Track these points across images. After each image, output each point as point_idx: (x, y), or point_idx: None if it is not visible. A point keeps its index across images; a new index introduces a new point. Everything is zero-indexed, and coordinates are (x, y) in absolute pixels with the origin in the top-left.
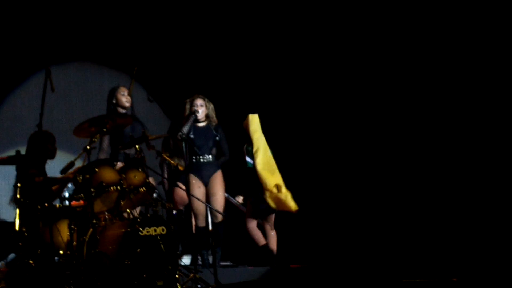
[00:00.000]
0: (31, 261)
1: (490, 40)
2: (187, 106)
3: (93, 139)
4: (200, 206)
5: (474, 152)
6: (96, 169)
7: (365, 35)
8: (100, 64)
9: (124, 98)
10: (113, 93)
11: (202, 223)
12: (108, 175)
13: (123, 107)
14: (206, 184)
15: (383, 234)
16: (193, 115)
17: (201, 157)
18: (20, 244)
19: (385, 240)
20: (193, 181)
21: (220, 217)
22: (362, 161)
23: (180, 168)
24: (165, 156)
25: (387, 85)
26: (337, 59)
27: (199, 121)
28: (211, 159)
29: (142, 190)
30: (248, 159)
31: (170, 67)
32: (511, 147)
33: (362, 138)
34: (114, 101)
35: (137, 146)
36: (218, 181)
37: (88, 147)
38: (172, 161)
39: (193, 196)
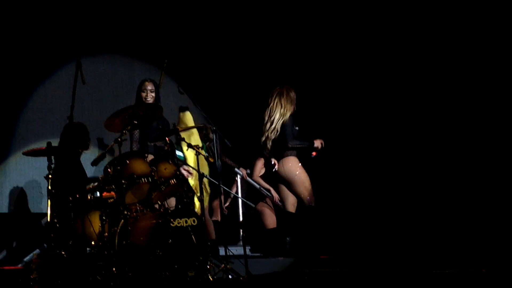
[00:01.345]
0: (63, 252)
1: (490, 40)
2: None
3: (124, 131)
4: None
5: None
6: (127, 161)
7: (365, 36)
8: (130, 56)
9: (144, 94)
10: (139, 88)
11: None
12: (139, 167)
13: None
14: None
15: (413, 225)
16: None
17: None
18: (52, 235)
19: (415, 230)
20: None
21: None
22: (387, 156)
23: (211, 159)
24: (195, 149)
25: (390, 84)
26: (337, 59)
27: None
28: None
29: (173, 182)
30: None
31: (200, 58)
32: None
33: (372, 135)
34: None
35: (167, 139)
36: None
37: (119, 139)
38: (203, 152)
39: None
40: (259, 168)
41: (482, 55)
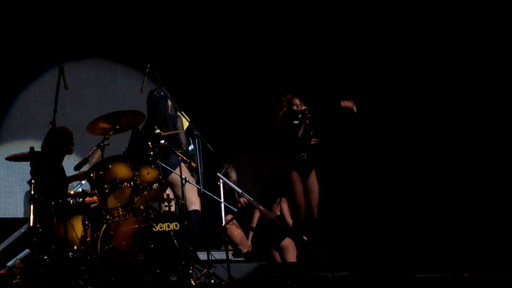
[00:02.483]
0: (45, 257)
1: (490, 41)
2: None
3: (107, 136)
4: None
5: (485, 147)
6: (110, 166)
7: (366, 37)
8: (113, 60)
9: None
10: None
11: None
12: (122, 171)
13: None
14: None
15: (396, 230)
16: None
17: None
18: (34, 240)
19: (398, 235)
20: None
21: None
22: (375, 162)
23: (193, 164)
24: (177, 153)
25: (391, 85)
26: (339, 59)
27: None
28: None
29: (155, 187)
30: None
31: (183, 63)
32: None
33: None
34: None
35: (149, 143)
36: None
37: (102, 144)
38: (184, 158)
39: None
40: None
41: (482, 55)
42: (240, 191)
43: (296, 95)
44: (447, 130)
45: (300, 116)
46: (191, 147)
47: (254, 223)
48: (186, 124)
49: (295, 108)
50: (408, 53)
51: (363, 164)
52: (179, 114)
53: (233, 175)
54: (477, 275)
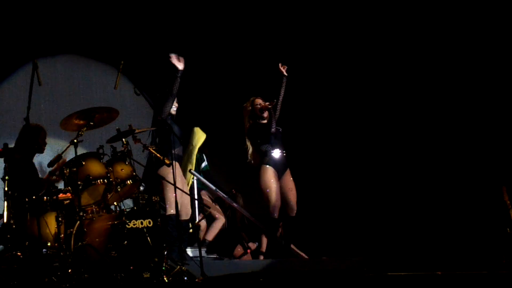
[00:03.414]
0: (19, 253)
1: (490, 41)
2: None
3: (80, 133)
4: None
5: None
6: (83, 162)
7: (365, 37)
8: (87, 57)
9: (174, 106)
10: (173, 97)
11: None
12: (95, 168)
13: (170, 114)
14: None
15: (369, 228)
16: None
17: None
18: (8, 236)
19: (371, 233)
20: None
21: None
22: (346, 163)
23: (167, 161)
24: (151, 150)
25: (389, 86)
26: (336, 59)
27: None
28: None
29: (129, 183)
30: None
31: (157, 60)
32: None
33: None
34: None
35: (123, 139)
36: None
37: (75, 140)
38: (158, 155)
39: None
40: None
41: (481, 55)
42: (214, 188)
43: (258, 96)
44: (432, 129)
45: (266, 113)
46: (204, 164)
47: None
48: (202, 139)
49: (259, 107)
50: (406, 54)
51: (336, 164)
52: (195, 129)
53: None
54: (449, 273)
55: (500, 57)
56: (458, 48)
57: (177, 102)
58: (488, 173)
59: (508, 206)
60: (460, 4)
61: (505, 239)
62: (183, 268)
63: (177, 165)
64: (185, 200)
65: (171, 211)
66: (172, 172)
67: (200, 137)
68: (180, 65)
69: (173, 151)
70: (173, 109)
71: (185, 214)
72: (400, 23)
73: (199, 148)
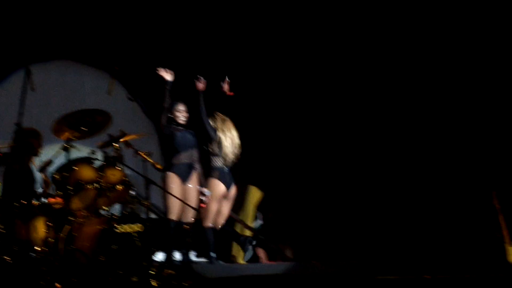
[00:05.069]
0: (7, 257)
1: (490, 41)
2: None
3: (72, 138)
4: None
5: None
6: (74, 167)
7: (363, 36)
8: (80, 63)
9: (180, 114)
10: (171, 108)
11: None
12: (86, 173)
13: (178, 124)
14: None
15: (358, 231)
16: None
17: None
18: None
19: (360, 237)
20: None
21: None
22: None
23: (159, 167)
24: (142, 155)
25: (387, 86)
26: (334, 59)
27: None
28: None
29: (120, 188)
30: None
31: (150, 66)
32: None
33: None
34: (172, 116)
35: (115, 145)
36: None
37: (66, 145)
38: (150, 160)
39: None
40: None
41: (481, 56)
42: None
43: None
44: (424, 134)
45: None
46: (259, 223)
47: None
48: (257, 196)
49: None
50: (405, 54)
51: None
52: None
53: None
54: (438, 277)
55: (494, 62)
56: (458, 48)
57: (187, 112)
58: (479, 178)
59: (498, 211)
60: (460, 4)
61: (495, 244)
62: (172, 272)
63: (171, 174)
64: (186, 207)
65: (170, 215)
66: (169, 181)
67: (256, 195)
68: (168, 77)
69: (174, 161)
70: (182, 119)
71: (186, 218)
72: (395, 22)
73: (255, 206)
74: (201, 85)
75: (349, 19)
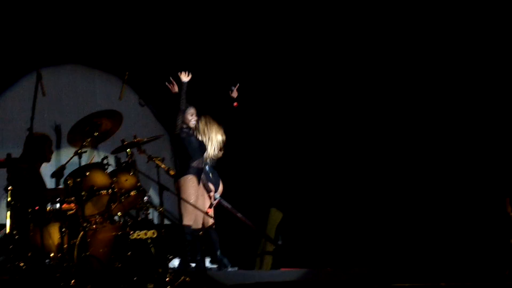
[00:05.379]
0: (21, 264)
1: (490, 41)
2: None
3: (84, 143)
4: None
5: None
6: (87, 173)
7: (363, 36)
8: (91, 67)
9: (191, 118)
10: (183, 112)
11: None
12: (99, 178)
13: (189, 127)
14: None
15: (374, 238)
16: None
17: None
18: (11, 246)
19: (375, 244)
20: None
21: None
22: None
23: (172, 172)
24: (156, 161)
25: (386, 86)
26: (333, 59)
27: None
28: None
29: (133, 194)
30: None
31: (161, 71)
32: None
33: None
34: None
35: (128, 150)
36: None
37: (79, 151)
38: (163, 165)
39: None
40: None
41: (481, 56)
42: (218, 196)
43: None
44: (436, 140)
45: None
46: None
47: None
48: (278, 218)
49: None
50: (404, 54)
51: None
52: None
53: None
54: (452, 284)
55: (504, 64)
56: (459, 55)
57: (197, 115)
58: (492, 185)
59: (511, 217)
60: (460, 4)
61: (508, 251)
62: (187, 278)
63: (192, 178)
64: (199, 213)
65: (186, 221)
66: (189, 184)
67: (277, 217)
68: (185, 78)
69: (192, 164)
70: (193, 122)
71: (196, 224)
72: (395, 22)
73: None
74: (184, 77)
75: (349, 19)
